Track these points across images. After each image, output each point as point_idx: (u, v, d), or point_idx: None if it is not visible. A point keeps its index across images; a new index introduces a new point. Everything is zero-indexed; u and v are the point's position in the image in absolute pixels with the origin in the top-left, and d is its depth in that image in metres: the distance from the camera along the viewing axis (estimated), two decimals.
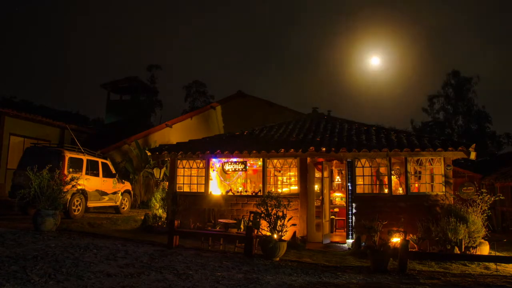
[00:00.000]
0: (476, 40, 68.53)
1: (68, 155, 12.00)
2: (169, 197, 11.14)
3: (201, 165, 11.41)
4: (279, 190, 10.68)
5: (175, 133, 19.02)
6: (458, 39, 71.56)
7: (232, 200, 10.95)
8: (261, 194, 10.53)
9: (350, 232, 10.21)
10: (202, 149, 11.28)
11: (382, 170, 10.49)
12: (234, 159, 11.23)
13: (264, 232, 8.45)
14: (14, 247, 6.85)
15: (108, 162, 14.27)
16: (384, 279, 6.48)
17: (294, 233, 9.49)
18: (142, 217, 11.84)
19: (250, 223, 9.32)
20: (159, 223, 11.04)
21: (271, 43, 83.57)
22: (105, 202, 13.64)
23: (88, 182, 12.50)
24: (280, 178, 11.59)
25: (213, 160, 11.42)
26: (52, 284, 4.81)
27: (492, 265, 7.84)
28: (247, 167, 11.33)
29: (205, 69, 74.12)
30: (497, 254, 8.46)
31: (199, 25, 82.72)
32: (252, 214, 9.54)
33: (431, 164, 10.10)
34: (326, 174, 11.02)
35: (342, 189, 13.47)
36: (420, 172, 10.28)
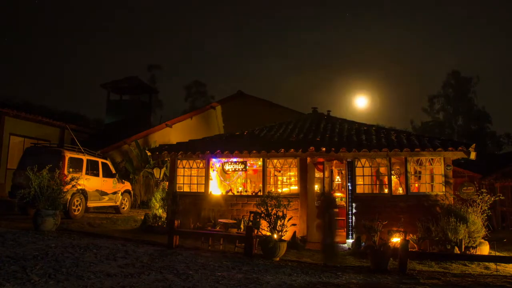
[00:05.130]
0: (476, 40, 68.57)
1: (68, 155, 11.99)
2: (169, 197, 11.13)
3: (201, 165, 11.41)
4: (279, 190, 10.69)
5: (175, 133, 19.01)
6: (457, 39, 71.63)
7: (232, 200, 10.95)
8: (261, 194, 10.53)
9: (350, 232, 10.22)
10: (202, 149, 11.28)
11: (382, 170, 10.49)
12: (234, 159, 11.23)
13: (264, 232, 8.45)
14: (14, 247, 6.85)
15: (108, 162, 14.27)
16: (384, 279, 6.48)
17: (294, 233, 9.49)
18: (142, 217, 11.84)
19: (250, 223, 9.32)
20: (159, 223, 11.04)
21: (271, 44, 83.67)
22: (105, 202, 13.64)
23: (88, 182, 12.50)
24: (280, 178, 11.60)
25: (213, 160, 11.42)
26: (52, 284, 4.81)
27: (492, 265, 7.85)
28: (247, 167, 11.33)
29: (205, 69, 74.15)
30: (497, 254, 8.47)
31: (200, 25, 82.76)
32: (252, 214, 9.55)
33: (431, 164, 10.10)
34: (326, 174, 11.02)
35: (342, 189, 13.45)
36: (420, 172, 10.29)
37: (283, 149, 10.46)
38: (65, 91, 69.95)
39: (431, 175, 10.31)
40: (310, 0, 77.26)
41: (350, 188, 10.37)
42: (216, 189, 11.54)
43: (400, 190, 10.30)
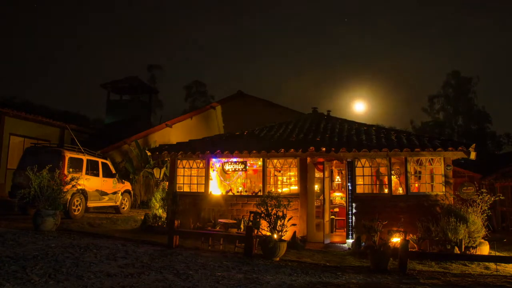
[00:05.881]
0: (476, 40, 68.62)
1: (68, 155, 11.99)
2: (169, 197, 11.13)
3: (201, 165, 11.41)
4: (279, 190, 10.69)
5: (175, 133, 19.01)
6: (457, 39, 71.66)
7: (232, 200, 10.95)
8: (261, 194, 10.53)
9: (350, 232, 10.21)
10: (202, 149, 11.28)
11: (382, 170, 10.48)
12: (234, 159, 11.22)
13: (264, 232, 8.45)
14: (14, 247, 6.85)
15: (108, 162, 14.27)
16: (384, 279, 6.48)
17: (294, 233, 9.49)
18: (142, 217, 11.84)
19: (250, 223, 9.32)
20: (159, 223, 11.04)
21: (270, 45, 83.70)
22: (105, 202, 13.64)
23: (88, 182, 12.50)
24: (280, 178, 11.59)
25: (213, 160, 11.41)
26: (52, 284, 4.81)
27: (492, 265, 7.84)
28: (247, 167, 11.32)
29: (205, 69, 74.17)
30: (497, 254, 8.47)
31: (200, 25, 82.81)
32: (252, 214, 9.54)
33: (431, 164, 10.09)
34: (326, 174, 11.02)
35: (342, 189, 13.47)
36: (420, 172, 10.28)
37: (283, 149, 10.46)
38: (65, 91, 70.00)
39: (431, 175, 10.31)
40: (310, 1, 77.28)
41: (350, 188, 10.36)
42: (216, 189, 11.54)
43: (400, 190, 10.29)
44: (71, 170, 11.80)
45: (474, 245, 8.62)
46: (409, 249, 7.49)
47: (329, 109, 14.87)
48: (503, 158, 20.34)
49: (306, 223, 10.28)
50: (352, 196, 10.28)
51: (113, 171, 14.15)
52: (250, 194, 11.19)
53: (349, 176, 10.40)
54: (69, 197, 11.42)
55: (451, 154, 9.85)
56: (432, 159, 10.01)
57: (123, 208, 14.62)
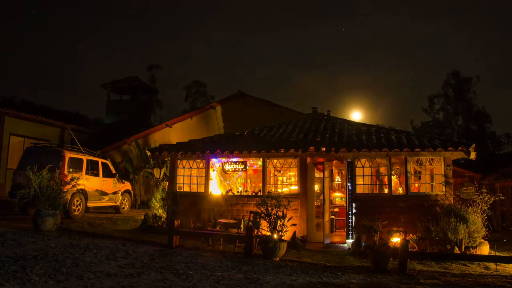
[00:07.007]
0: (476, 40, 68.60)
1: (68, 155, 11.99)
2: (169, 197, 11.13)
3: (201, 165, 11.41)
4: (279, 190, 10.68)
5: (175, 133, 19.01)
6: (457, 40, 71.66)
7: (232, 200, 10.95)
8: (261, 194, 10.53)
9: (350, 232, 10.21)
10: (202, 149, 11.27)
11: (382, 170, 10.48)
12: (234, 159, 11.22)
13: (264, 232, 8.44)
14: (14, 247, 6.85)
15: (108, 162, 14.27)
16: (384, 279, 6.48)
17: (294, 233, 9.48)
18: (142, 217, 11.84)
19: (250, 223, 9.32)
20: (159, 223, 11.04)
21: (271, 44, 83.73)
22: (105, 202, 13.64)
23: (88, 182, 12.50)
24: (280, 178, 11.59)
25: (213, 160, 11.41)
26: (52, 284, 4.81)
27: (492, 265, 7.84)
28: (247, 167, 11.32)
29: (205, 69, 74.16)
30: (497, 254, 8.48)
31: (200, 24, 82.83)
32: (252, 214, 9.54)
33: (431, 164, 10.09)
34: (326, 174, 11.02)
35: (342, 189, 13.47)
36: (420, 172, 10.28)
37: (283, 149, 10.46)
38: (65, 91, 70.04)
39: (431, 175, 10.30)
40: (309, 3, 77.34)
41: (350, 188, 10.36)
42: (216, 189, 11.54)
43: (400, 190, 10.29)
44: (71, 170, 11.80)
45: (474, 245, 8.62)
46: (409, 249, 7.49)
47: (329, 109, 14.87)
48: (503, 158, 20.36)
49: (306, 223, 10.28)
50: (352, 196, 10.28)
51: (113, 171, 14.15)
52: (250, 194, 11.19)
53: (349, 176, 10.39)
54: (69, 197, 11.42)
55: (451, 154, 9.85)
56: (432, 159, 10.00)
57: (123, 208, 14.62)
